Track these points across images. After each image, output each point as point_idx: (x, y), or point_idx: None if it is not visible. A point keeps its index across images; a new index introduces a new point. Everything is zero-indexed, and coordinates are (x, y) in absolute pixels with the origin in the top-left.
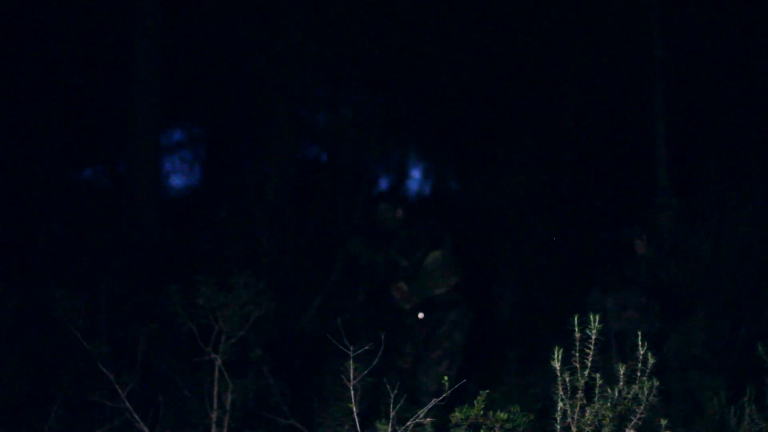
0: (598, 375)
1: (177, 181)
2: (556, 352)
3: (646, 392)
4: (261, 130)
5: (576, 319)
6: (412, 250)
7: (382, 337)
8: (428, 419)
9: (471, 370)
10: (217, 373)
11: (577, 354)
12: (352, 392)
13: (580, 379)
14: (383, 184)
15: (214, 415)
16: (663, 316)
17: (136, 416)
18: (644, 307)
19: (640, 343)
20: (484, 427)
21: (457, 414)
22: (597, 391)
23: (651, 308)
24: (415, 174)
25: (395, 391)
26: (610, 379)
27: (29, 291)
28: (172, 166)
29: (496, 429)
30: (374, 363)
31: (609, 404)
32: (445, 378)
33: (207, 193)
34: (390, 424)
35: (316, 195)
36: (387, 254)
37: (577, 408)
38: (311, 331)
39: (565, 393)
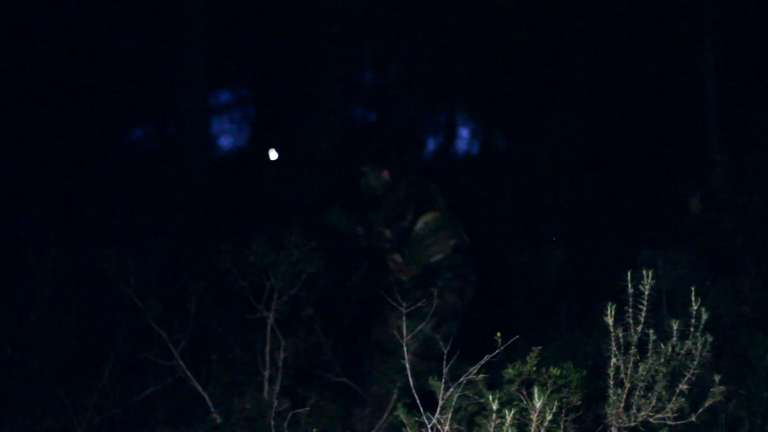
0: (651, 331)
1: (225, 141)
2: (609, 308)
3: (699, 348)
4: (309, 89)
5: (629, 274)
6: (397, 217)
7: (435, 293)
8: (480, 376)
9: (475, 330)
10: (269, 331)
11: (630, 310)
12: (405, 348)
13: (633, 335)
14: (431, 143)
15: (266, 373)
16: (713, 274)
17: (188, 374)
18: (695, 265)
19: (693, 298)
20: (537, 383)
21: (509, 370)
22: (650, 347)
23: (701, 266)
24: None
25: (448, 348)
26: (663, 336)
27: (82, 251)
28: (221, 126)
29: (548, 385)
30: (425, 320)
31: (662, 360)
32: (498, 334)
33: (255, 153)
34: (442, 381)
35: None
36: (369, 224)
37: (630, 364)
38: (362, 289)
39: (618, 349)
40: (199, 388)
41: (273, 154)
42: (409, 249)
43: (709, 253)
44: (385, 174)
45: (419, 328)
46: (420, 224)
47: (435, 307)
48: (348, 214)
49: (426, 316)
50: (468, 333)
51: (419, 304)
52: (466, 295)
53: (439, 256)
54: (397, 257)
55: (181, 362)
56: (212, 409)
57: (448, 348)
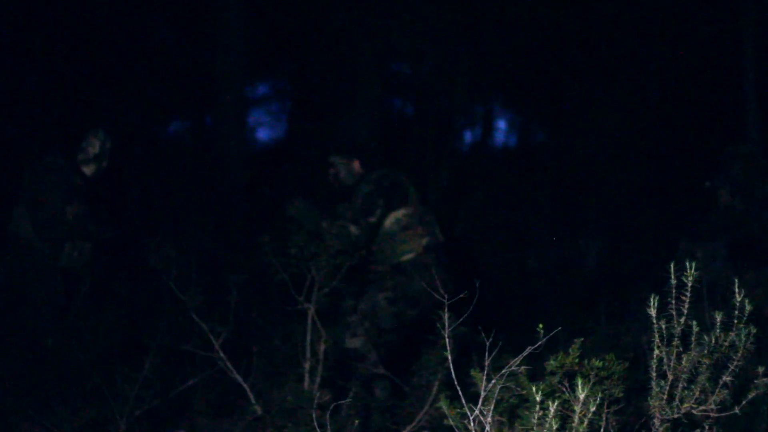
0: (694, 322)
1: (263, 134)
2: (652, 300)
3: (743, 339)
4: (347, 82)
5: (672, 266)
6: (365, 212)
7: (477, 285)
8: (522, 368)
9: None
10: (310, 323)
11: (673, 301)
12: (447, 341)
13: (676, 326)
14: (469, 135)
15: (307, 365)
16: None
17: (229, 366)
18: (729, 257)
19: (737, 290)
20: (579, 374)
21: (552, 362)
22: (693, 339)
23: (736, 258)
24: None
25: (489, 340)
26: (705, 328)
27: (124, 242)
28: (259, 119)
29: (591, 376)
30: (468, 312)
31: (705, 352)
32: (540, 326)
33: (294, 146)
34: (485, 373)
35: (403, 147)
36: (334, 219)
37: (674, 355)
38: None
39: (660, 340)
40: (240, 380)
41: None
42: (377, 246)
43: (737, 245)
44: (356, 165)
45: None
46: (390, 220)
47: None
48: (313, 208)
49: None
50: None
51: (461, 296)
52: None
53: (409, 255)
54: (363, 254)
55: (221, 354)
56: (253, 401)
57: (490, 340)
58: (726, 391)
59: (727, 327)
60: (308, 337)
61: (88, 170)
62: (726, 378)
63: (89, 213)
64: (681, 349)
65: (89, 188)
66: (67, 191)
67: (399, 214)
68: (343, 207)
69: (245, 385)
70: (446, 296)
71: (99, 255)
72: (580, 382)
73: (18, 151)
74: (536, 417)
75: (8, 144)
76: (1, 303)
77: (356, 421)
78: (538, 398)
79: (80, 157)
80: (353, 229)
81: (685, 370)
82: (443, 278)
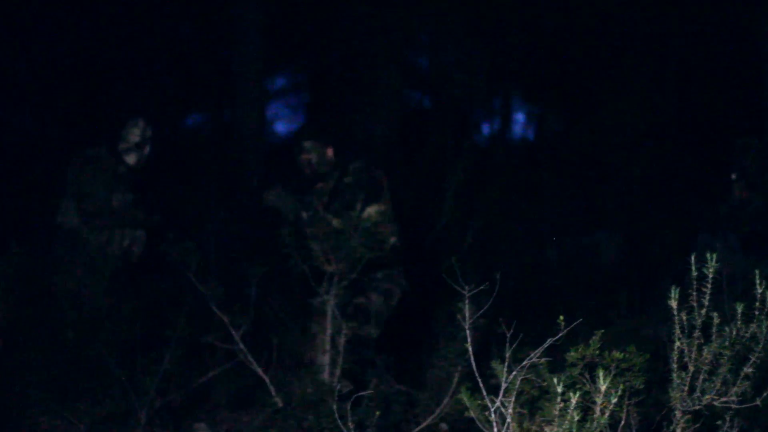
0: (715, 314)
1: (281, 127)
2: (673, 291)
3: (764, 331)
4: (364, 74)
5: (693, 258)
6: (347, 205)
7: (498, 277)
8: (543, 359)
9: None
10: (330, 315)
11: (694, 293)
12: (467, 332)
13: (697, 318)
14: (487, 128)
15: (326, 357)
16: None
17: (250, 358)
18: (745, 249)
19: (758, 282)
20: (600, 366)
21: (572, 354)
22: (714, 331)
23: (752, 249)
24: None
25: (510, 332)
26: (725, 319)
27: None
28: (276, 112)
29: (611, 368)
30: (488, 304)
31: (726, 343)
32: (561, 318)
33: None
34: (506, 365)
35: (421, 139)
36: (314, 210)
37: (695, 347)
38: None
39: (681, 332)
40: (260, 372)
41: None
42: (346, 241)
43: (750, 237)
44: (329, 152)
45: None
46: (364, 215)
47: (357, 309)
48: (292, 196)
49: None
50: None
51: (482, 287)
52: (392, 299)
53: (373, 254)
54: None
55: (242, 346)
56: (273, 393)
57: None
58: (747, 383)
59: (747, 319)
60: (328, 329)
61: (130, 159)
62: (747, 370)
63: (136, 201)
64: (702, 340)
65: (133, 177)
66: (111, 181)
67: (372, 210)
68: (321, 197)
69: (266, 378)
70: (467, 288)
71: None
72: (601, 373)
73: (59, 145)
74: (557, 409)
75: (50, 139)
76: (43, 295)
77: (377, 413)
78: (559, 390)
79: (121, 147)
80: (336, 222)
81: (706, 361)
82: (401, 282)
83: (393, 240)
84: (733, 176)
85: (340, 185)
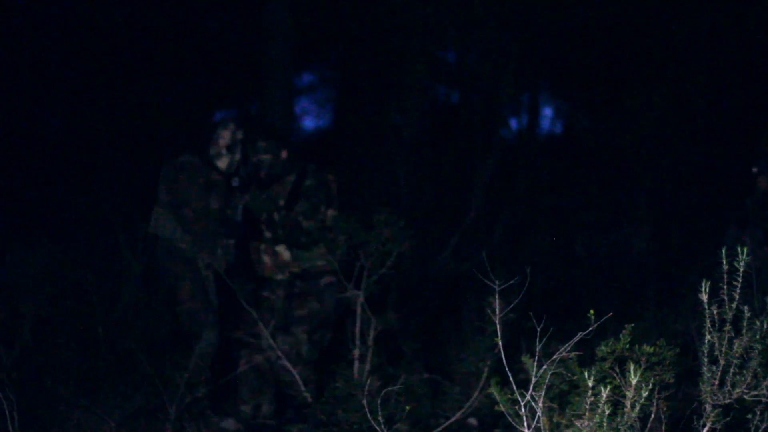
0: (746, 307)
1: (309, 122)
2: (704, 285)
3: None
4: (393, 70)
5: (723, 251)
6: (315, 207)
7: (528, 271)
8: (573, 353)
9: None
10: (359, 310)
11: (725, 286)
12: (498, 326)
13: (728, 311)
14: (515, 123)
15: (356, 352)
16: None
17: (279, 353)
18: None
19: None
20: (630, 360)
21: (603, 348)
22: (745, 324)
23: None
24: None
25: (540, 326)
26: (756, 313)
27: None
28: (304, 107)
29: (642, 362)
30: (518, 298)
31: (757, 337)
32: (591, 312)
33: (340, 134)
34: (536, 359)
35: (449, 135)
36: (287, 212)
37: (725, 341)
38: (448, 269)
39: (712, 326)
40: (289, 366)
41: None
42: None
43: None
44: (284, 154)
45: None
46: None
47: (310, 314)
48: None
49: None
50: None
51: (512, 281)
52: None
53: (324, 261)
54: (284, 251)
55: (271, 341)
56: (302, 388)
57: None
58: None
59: None
60: (358, 324)
61: (221, 164)
62: None
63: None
64: (732, 334)
65: (226, 182)
66: (205, 187)
67: (326, 215)
68: (276, 198)
69: (294, 372)
70: (497, 283)
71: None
72: (632, 367)
73: (146, 155)
74: (588, 402)
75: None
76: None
77: (407, 408)
78: (590, 383)
79: (212, 152)
80: (306, 224)
81: (736, 355)
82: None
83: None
84: (755, 170)
85: (298, 187)
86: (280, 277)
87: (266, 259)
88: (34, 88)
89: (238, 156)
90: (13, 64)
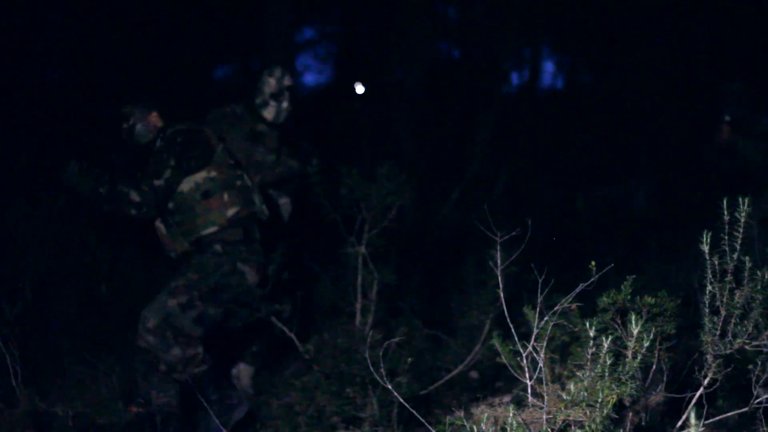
0: (747, 258)
1: (310, 78)
2: (704, 236)
3: None
4: (394, 26)
5: (725, 202)
6: (152, 173)
7: (529, 222)
8: (574, 305)
9: None
10: (360, 264)
11: (726, 237)
12: (500, 278)
13: (729, 262)
14: (516, 78)
15: (358, 305)
16: None
17: (274, 320)
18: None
19: None
20: (631, 311)
21: (604, 299)
22: (746, 274)
23: None
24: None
25: (542, 278)
26: (757, 263)
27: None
28: (306, 63)
29: (643, 313)
30: (519, 250)
31: (758, 287)
32: (592, 263)
33: (342, 89)
34: (536, 311)
35: (450, 90)
36: (111, 183)
37: (726, 291)
38: (450, 223)
39: (713, 276)
40: (283, 328)
41: (359, 88)
42: (178, 217)
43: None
44: (154, 118)
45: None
46: (188, 185)
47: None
48: (89, 171)
49: None
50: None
51: (513, 232)
52: (243, 282)
53: (211, 229)
54: (160, 226)
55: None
56: (300, 348)
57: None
58: None
59: None
60: (359, 278)
61: (268, 113)
62: None
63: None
64: (734, 284)
65: (274, 131)
66: (252, 137)
67: (198, 177)
68: (126, 168)
69: (291, 335)
70: (498, 234)
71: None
72: (633, 317)
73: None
74: (589, 353)
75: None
76: None
77: (408, 360)
78: (591, 334)
79: (258, 101)
80: (133, 195)
81: (737, 305)
82: (255, 260)
83: (231, 211)
84: (727, 118)
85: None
86: (173, 255)
87: (159, 235)
88: (36, 45)
89: (284, 104)
90: (15, 18)
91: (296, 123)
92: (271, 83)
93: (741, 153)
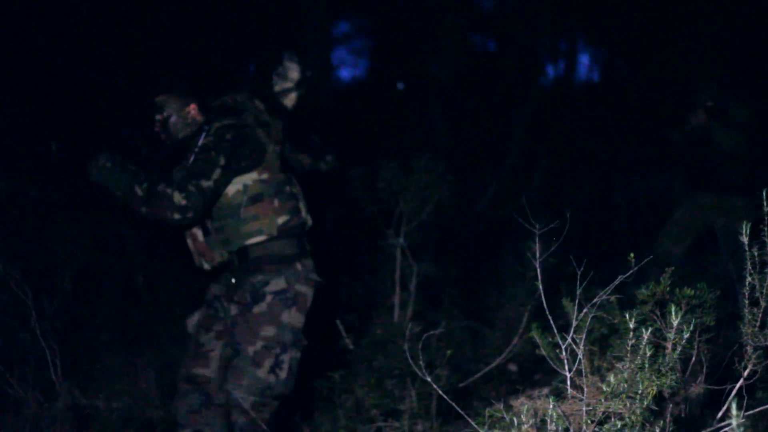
0: None
1: (345, 72)
2: (744, 227)
3: None
4: (430, 19)
5: (765, 193)
6: (198, 173)
7: (567, 215)
8: (613, 297)
9: None
10: (399, 256)
11: (766, 228)
12: (538, 270)
13: None
14: (552, 71)
15: (396, 298)
16: None
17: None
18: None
19: None
20: (671, 303)
21: (643, 291)
22: None
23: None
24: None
25: (580, 270)
26: None
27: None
28: (341, 57)
29: (682, 305)
30: (558, 242)
31: None
32: (631, 255)
33: (378, 83)
34: (575, 303)
35: (486, 83)
36: (151, 182)
37: (766, 282)
38: (487, 215)
39: (753, 268)
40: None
41: (400, 85)
42: (218, 223)
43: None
44: (193, 110)
45: None
46: (234, 187)
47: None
48: (123, 167)
49: None
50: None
51: (552, 225)
52: (300, 308)
53: (258, 238)
54: (198, 234)
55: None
56: (344, 334)
57: (581, 270)
58: None
59: None
60: (398, 271)
61: (288, 101)
62: None
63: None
64: None
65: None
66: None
67: (248, 178)
68: (160, 165)
69: (336, 320)
70: (537, 226)
71: None
72: (673, 308)
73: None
74: (629, 345)
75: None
76: None
77: (448, 352)
78: (631, 325)
79: (278, 88)
80: (177, 197)
81: None
82: (310, 280)
83: (281, 219)
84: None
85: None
86: (207, 267)
87: (190, 245)
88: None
89: (303, 92)
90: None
91: (311, 116)
92: (294, 70)
93: None
